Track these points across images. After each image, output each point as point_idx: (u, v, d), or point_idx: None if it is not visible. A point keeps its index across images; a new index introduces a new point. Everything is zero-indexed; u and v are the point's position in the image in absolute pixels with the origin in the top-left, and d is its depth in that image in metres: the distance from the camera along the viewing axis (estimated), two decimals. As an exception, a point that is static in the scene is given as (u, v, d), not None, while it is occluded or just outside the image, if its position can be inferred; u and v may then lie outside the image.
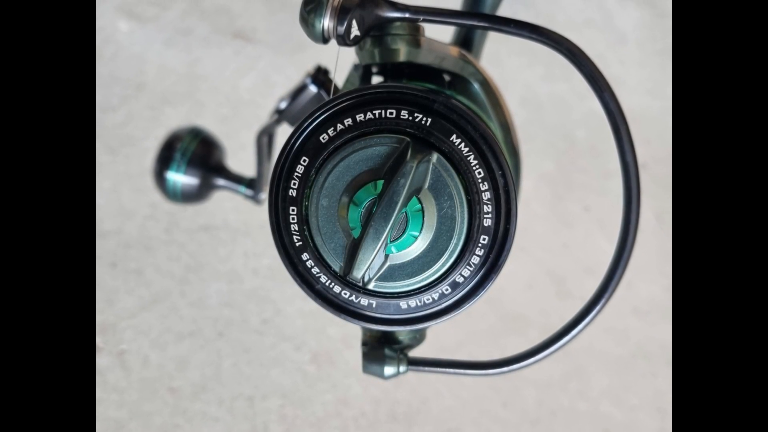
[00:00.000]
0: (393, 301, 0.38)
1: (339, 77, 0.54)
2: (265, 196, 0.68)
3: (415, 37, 0.45)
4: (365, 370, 0.47)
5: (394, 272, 0.37)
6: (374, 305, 0.38)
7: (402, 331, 0.48)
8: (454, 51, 0.51)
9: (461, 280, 0.37)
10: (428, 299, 0.38)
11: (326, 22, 0.41)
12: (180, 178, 0.65)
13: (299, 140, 0.37)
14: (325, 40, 0.42)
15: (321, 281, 0.38)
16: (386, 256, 0.36)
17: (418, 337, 0.49)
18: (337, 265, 0.37)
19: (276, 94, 1.06)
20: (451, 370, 0.46)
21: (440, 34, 0.52)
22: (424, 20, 0.42)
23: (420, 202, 0.36)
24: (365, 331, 0.48)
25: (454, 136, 0.36)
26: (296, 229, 0.37)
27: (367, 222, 0.35)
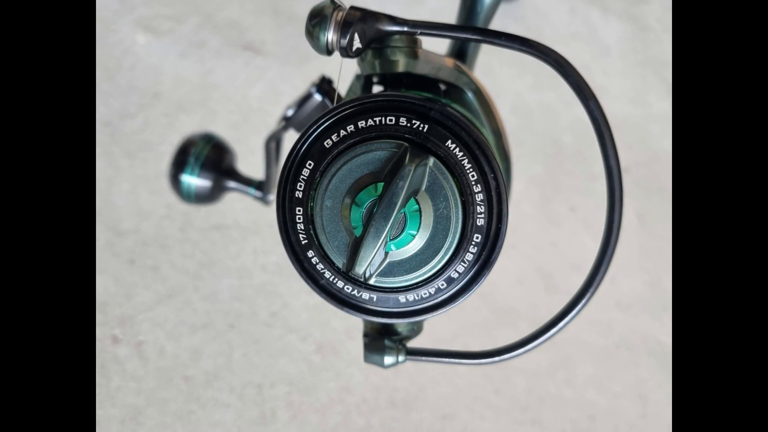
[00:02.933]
0: (392, 296, 0.38)
1: (342, 86, 0.54)
2: (273, 197, 0.68)
3: (413, 49, 0.45)
4: (366, 359, 0.47)
5: (393, 268, 0.37)
6: (375, 299, 0.38)
7: (401, 323, 0.48)
8: (450, 62, 0.51)
9: (456, 275, 0.37)
10: (425, 293, 0.37)
11: (330, 36, 0.41)
12: (194, 180, 0.65)
13: (305, 145, 0.37)
14: (329, 52, 0.42)
15: (325, 277, 0.38)
16: (386, 254, 0.36)
17: (416, 329, 0.49)
18: (340, 262, 0.37)
19: (283, 103, 1.06)
20: (447, 360, 0.46)
21: (436, 46, 0.52)
22: (422, 33, 0.42)
23: (417, 203, 0.36)
24: (366, 323, 0.48)
25: (449, 142, 0.36)
26: (302, 228, 0.37)
27: (368, 221, 0.35)
